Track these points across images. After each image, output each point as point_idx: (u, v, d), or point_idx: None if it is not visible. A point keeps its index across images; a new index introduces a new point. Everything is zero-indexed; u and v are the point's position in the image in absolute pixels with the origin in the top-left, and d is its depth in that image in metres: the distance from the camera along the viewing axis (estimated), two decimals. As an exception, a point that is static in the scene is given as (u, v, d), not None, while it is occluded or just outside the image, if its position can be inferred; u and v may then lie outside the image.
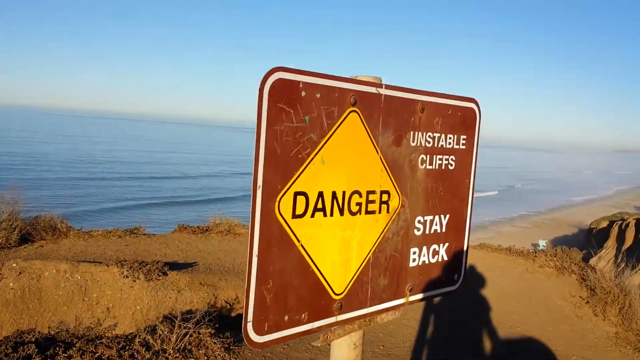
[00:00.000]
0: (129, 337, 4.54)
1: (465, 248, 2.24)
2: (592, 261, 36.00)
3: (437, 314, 6.30)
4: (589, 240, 42.58)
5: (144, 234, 9.24)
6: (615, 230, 43.19)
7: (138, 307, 6.38)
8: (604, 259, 39.42)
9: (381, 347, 5.10)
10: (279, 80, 1.49)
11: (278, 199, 1.52)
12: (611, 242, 42.49)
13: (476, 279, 7.48)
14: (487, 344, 5.86)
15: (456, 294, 2.26)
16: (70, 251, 8.06)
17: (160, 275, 6.50)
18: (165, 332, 4.41)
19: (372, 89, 1.77)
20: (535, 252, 8.74)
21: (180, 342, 4.38)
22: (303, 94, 1.55)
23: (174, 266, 6.94)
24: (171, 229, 10.58)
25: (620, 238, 42.11)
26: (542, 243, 38.50)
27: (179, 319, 4.46)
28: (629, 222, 42.43)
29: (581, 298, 7.16)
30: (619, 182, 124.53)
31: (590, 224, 48.62)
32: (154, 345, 4.35)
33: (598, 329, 6.60)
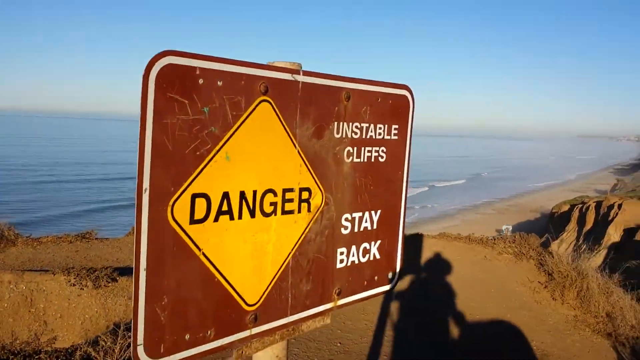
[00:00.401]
0: (70, 350, 4.28)
1: (400, 244, 2.10)
2: (554, 244, 37.05)
3: (397, 306, 6.23)
4: (551, 224, 43.77)
5: (96, 239, 8.86)
6: (576, 213, 44.48)
7: (87, 316, 6.08)
8: (566, 241, 40.62)
9: (338, 344, 4.98)
10: (170, 66, 1.29)
11: (171, 203, 1.33)
12: (572, 225, 43.76)
13: (436, 269, 7.45)
14: (448, 333, 5.82)
15: (391, 293, 2.13)
16: (18, 260, 7.65)
17: (109, 282, 6.20)
18: (109, 343, 4.17)
19: (287, 76, 1.59)
20: (494, 239, 8.78)
21: (124, 352, 4.14)
22: (201, 81, 1.36)
23: (126, 271, 6.64)
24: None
25: (581, 221, 43.40)
26: (507, 229, 39.33)
27: (122, 328, 4.21)
28: (589, 205, 43.75)
29: (539, 283, 7.21)
30: (582, 167, 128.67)
31: (552, 209, 49.93)
32: (96, 357, 4.11)
33: (557, 313, 6.65)
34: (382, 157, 1.95)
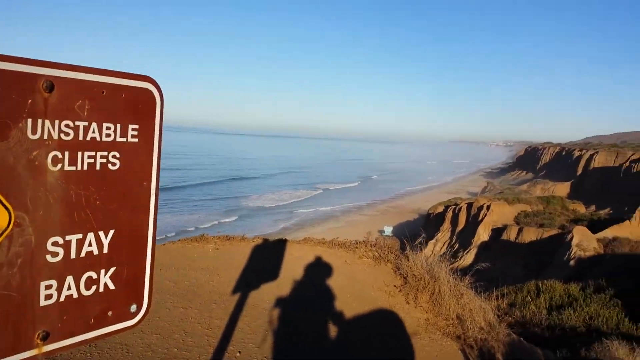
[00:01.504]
0: None
1: (147, 269, 1.73)
2: (430, 244, 39.42)
3: (251, 317, 5.89)
4: (427, 224, 46.51)
5: None
6: (449, 214, 47.69)
7: None
8: (441, 241, 43.43)
9: (171, 365, 4.53)
10: None
11: None
12: (446, 226, 46.85)
13: (293, 277, 7.25)
14: (304, 347, 5.60)
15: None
16: None
17: None
18: None
19: None
20: (357, 243, 8.83)
21: None
22: None
23: None
24: None
25: (454, 221, 46.62)
26: (388, 230, 41.13)
27: None
28: (461, 207, 47.14)
29: (395, 287, 7.30)
30: (457, 171, 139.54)
31: (429, 210, 53.11)
32: None
33: (409, 317, 6.73)
34: (113, 164, 1.58)
